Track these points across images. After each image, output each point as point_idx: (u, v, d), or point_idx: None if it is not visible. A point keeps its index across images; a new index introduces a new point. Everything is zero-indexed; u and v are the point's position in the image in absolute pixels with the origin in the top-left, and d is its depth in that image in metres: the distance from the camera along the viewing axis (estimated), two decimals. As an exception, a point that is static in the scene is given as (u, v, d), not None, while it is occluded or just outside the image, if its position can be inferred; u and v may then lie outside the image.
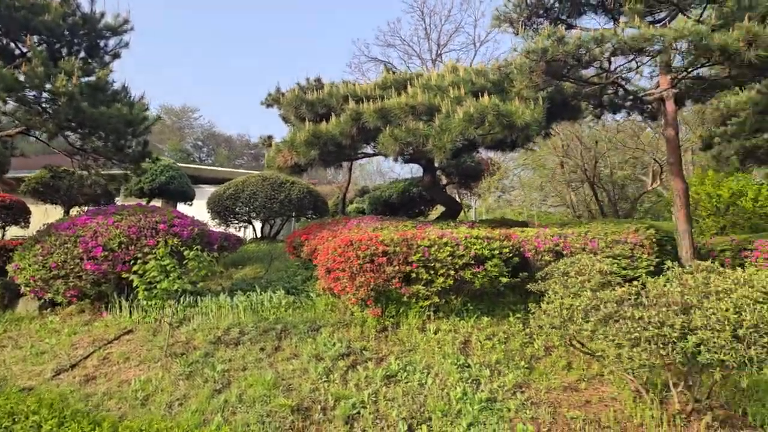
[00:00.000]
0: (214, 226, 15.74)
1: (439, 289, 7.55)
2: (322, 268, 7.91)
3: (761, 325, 4.54)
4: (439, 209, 15.75)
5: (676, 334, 4.84)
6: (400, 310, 7.81)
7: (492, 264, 7.77)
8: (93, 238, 8.20)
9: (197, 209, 17.21)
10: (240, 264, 12.45)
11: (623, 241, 8.54)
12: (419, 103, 8.51)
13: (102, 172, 10.75)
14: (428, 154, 9.09)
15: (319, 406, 5.70)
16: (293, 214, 16.13)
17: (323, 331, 7.44)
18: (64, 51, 10.54)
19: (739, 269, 5.38)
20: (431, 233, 7.97)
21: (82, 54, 10.66)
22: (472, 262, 7.70)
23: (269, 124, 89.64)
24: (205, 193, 18.91)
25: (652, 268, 7.99)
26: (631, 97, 9.51)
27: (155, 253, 7.02)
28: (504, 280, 7.87)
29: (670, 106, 8.94)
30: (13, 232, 16.65)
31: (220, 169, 24.05)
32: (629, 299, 5.43)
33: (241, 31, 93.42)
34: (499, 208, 38.17)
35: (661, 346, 4.91)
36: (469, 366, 6.63)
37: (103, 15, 10.32)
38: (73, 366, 6.84)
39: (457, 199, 19.96)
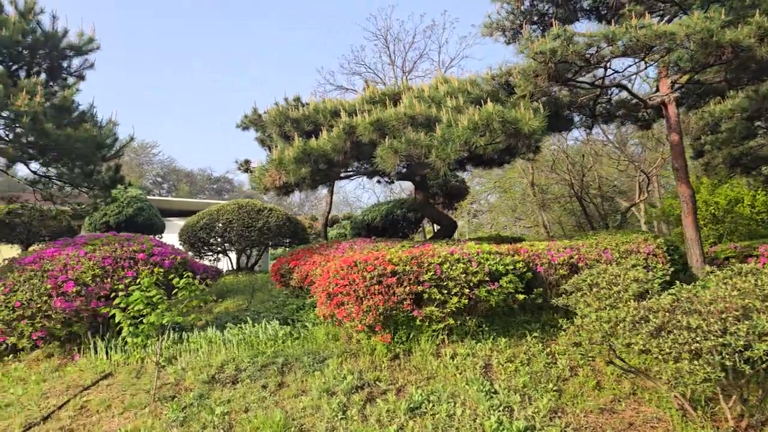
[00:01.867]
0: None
1: (453, 309, 6.94)
2: (323, 293, 7.21)
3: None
4: (424, 231, 15.22)
5: (741, 342, 4.36)
6: (411, 335, 7.15)
7: (507, 280, 7.22)
8: (63, 271, 7.33)
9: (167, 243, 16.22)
10: (219, 297, 11.59)
11: (635, 251, 8.14)
12: (418, 113, 7.99)
13: (68, 202, 9.84)
14: (425, 168, 8.56)
15: (341, 448, 4.98)
16: (270, 242, 15.32)
17: (330, 362, 6.71)
18: (23, 73, 9.72)
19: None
20: (440, 250, 7.39)
21: (43, 76, 9.85)
22: (487, 278, 7.14)
23: (230, 157, 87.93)
24: (174, 226, 17.94)
25: (667, 278, 7.59)
26: (633, 101, 9.23)
27: (139, 284, 6.22)
28: (520, 297, 7.32)
29: (672, 110, 8.66)
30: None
31: (190, 200, 23.08)
32: (681, 307, 4.94)
33: (191, 62, 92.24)
34: (471, 231, 37.97)
35: (726, 356, 4.42)
36: (495, 392, 6.02)
37: (66, 33, 9.54)
38: (45, 418, 5.93)
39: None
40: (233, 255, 16.21)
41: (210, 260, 15.61)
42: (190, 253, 15.04)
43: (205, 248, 15.37)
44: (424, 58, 37.35)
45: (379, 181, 13.91)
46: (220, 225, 14.87)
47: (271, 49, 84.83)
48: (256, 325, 7.82)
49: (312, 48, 76.42)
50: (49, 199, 9.54)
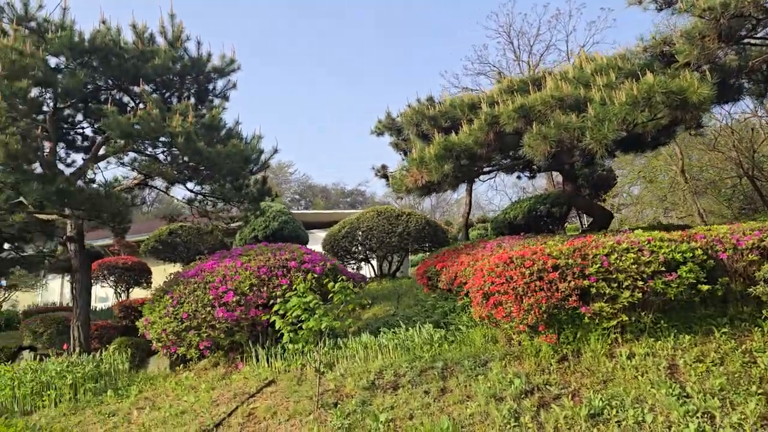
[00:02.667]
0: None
1: (625, 304, 6.21)
2: (478, 293, 6.79)
3: None
4: (565, 230, 14.28)
5: None
6: (578, 335, 6.51)
7: (686, 269, 6.34)
8: (222, 282, 7.57)
9: (310, 254, 16.65)
10: (367, 303, 11.56)
11: (844, 230, 6.87)
12: (566, 95, 7.36)
13: (221, 216, 10.30)
14: (573, 155, 7.88)
15: (522, 459, 4.52)
16: (410, 247, 15.17)
17: (492, 366, 6.27)
18: (174, 100, 10.34)
19: None
20: (605, 240, 6.69)
21: (192, 100, 10.41)
22: (662, 268, 6.32)
23: (357, 172, 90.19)
24: (316, 238, 18.42)
25: None
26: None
27: (295, 290, 6.20)
28: (704, 287, 6.41)
29: None
30: (135, 293, 16.81)
31: (329, 212, 23.74)
32: None
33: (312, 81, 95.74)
34: (615, 228, 35.57)
35: None
36: (688, 396, 5.24)
37: (210, 56, 10.02)
38: (217, 425, 6.06)
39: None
40: (375, 262, 16.28)
41: (352, 268, 15.78)
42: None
43: (348, 257, 15.56)
44: (551, 49, 35.48)
45: (519, 177, 13.25)
46: (361, 233, 14.97)
47: (391, 59, 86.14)
48: (410, 329, 7.57)
49: (434, 51, 76.45)
50: (205, 215, 10.05)
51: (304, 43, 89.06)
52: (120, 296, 16.59)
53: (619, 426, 4.87)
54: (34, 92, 8.78)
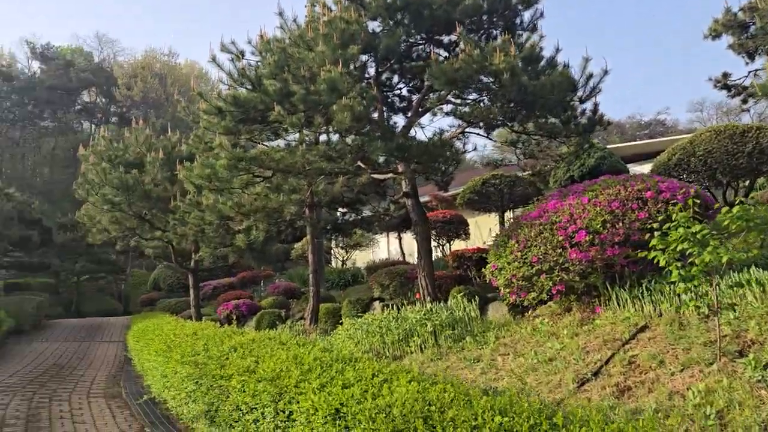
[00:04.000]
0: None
1: None
2: None
3: None
4: None
5: None
6: None
7: None
8: (571, 221, 6.97)
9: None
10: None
11: None
12: None
13: (549, 155, 9.70)
14: None
15: None
16: (764, 168, 12.57)
17: None
18: (482, 41, 9.99)
19: None
20: None
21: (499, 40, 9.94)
22: None
23: (653, 98, 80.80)
24: (633, 173, 16.68)
25: None
26: None
27: (666, 222, 5.26)
28: None
29: None
30: (456, 246, 17.40)
31: (646, 141, 21.42)
32: None
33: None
34: None
35: None
36: None
37: (513, -13, 9.37)
38: (595, 374, 5.53)
39: None
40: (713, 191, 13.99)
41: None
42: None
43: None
44: None
45: None
46: (696, 159, 12.90)
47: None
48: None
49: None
50: (531, 155, 9.57)
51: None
52: (442, 249, 17.37)
53: None
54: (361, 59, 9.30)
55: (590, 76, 8.37)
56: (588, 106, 8.89)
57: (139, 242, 18.34)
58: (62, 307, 30.29)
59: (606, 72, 8.37)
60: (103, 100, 58.72)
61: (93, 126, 57.16)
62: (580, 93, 8.54)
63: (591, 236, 6.77)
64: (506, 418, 3.21)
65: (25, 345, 16.77)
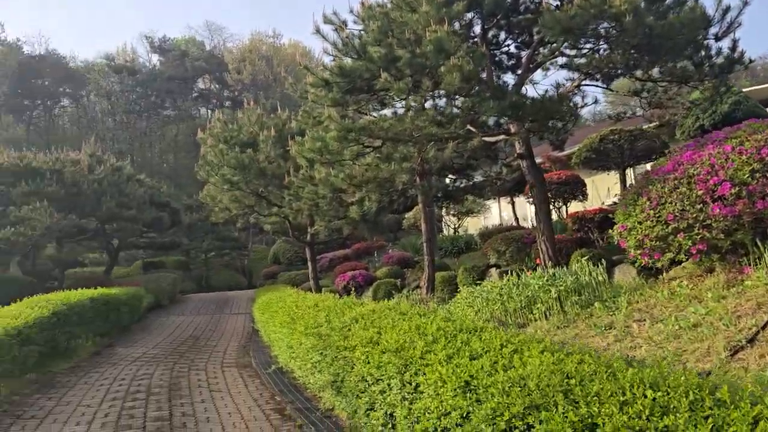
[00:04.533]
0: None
1: None
2: None
3: None
4: None
5: None
6: None
7: None
8: (711, 173, 6.28)
9: None
10: None
11: None
12: None
13: (680, 102, 8.82)
14: None
15: None
16: None
17: None
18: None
19: None
20: None
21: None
22: None
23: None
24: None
25: None
26: None
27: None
28: None
29: None
30: (572, 207, 16.58)
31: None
32: None
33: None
34: None
35: None
36: None
37: None
38: (750, 340, 4.97)
39: None
40: None
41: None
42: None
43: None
44: None
45: None
46: None
47: None
48: None
49: None
50: (658, 105, 8.74)
51: None
52: (558, 211, 16.62)
53: None
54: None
55: (727, 9, 7.43)
56: (725, 44, 7.94)
57: (258, 219, 19.12)
58: (194, 282, 32.59)
59: (746, 2, 7.38)
60: (216, 86, 61.94)
61: (209, 111, 60.54)
62: (715, 30, 7.64)
63: (737, 188, 6.06)
64: (659, 393, 2.87)
65: (164, 318, 18.19)
